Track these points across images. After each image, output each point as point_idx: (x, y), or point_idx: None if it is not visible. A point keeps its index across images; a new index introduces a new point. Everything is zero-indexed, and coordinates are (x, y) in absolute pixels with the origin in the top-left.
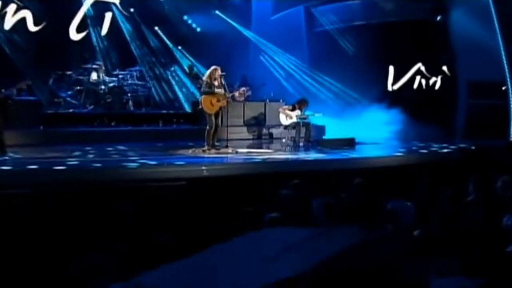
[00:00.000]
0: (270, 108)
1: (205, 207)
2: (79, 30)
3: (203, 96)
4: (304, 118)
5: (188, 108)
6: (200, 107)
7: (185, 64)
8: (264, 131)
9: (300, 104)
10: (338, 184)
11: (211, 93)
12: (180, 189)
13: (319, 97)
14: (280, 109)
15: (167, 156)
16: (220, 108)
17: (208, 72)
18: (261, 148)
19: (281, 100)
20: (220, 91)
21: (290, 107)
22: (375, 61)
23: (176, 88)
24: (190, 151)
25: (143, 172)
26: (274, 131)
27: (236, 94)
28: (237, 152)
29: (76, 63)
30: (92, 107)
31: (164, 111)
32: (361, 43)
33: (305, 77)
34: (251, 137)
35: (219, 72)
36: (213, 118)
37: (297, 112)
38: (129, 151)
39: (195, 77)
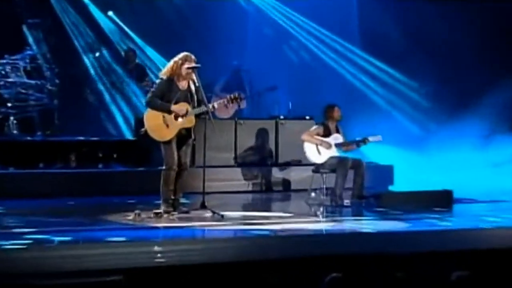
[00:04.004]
0: (286, 132)
1: None
2: None
3: (148, 111)
4: (351, 147)
5: (128, 133)
6: (143, 130)
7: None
8: (275, 175)
9: (332, 116)
10: (422, 281)
11: (163, 107)
12: None
13: (376, 107)
14: (305, 135)
15: (86, 226)
16: (188, 130)
17: (171, 62)
18: (268, 209)
19: (307, 117)
20: (184, 105)
21: (320, 128)
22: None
23: (106, 95)
24: (131, 216)
25: (38, 258)
26: (293, 175)
27: (216, 104)
28: (222, 218)
29: None
30: None
31: (82, 138)
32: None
33: (354, 70)
34: (249, 187)
35: (192, 63)
36: (173, 150)
37: (337, 138)
38: (9, 216)
39: (136, 72)
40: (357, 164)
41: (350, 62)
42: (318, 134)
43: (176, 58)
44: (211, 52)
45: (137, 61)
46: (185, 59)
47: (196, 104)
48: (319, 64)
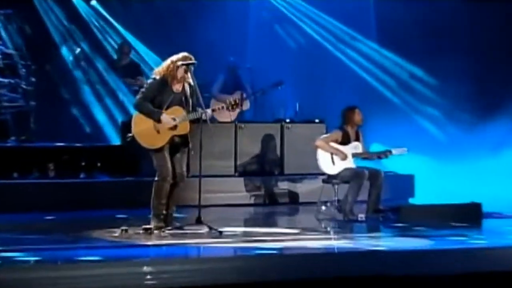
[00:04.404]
0: (293, 137)
1: None
2: None
3: (137, 114)
4: (370, 157)
5: (114, 138)
6: (129, 135)
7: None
8: (280, 186)
9: (352, 120)
10: None
11: (153, 114)
12: None
13: (395, 109)
14: (320, 142)
15: (67, 244)
16: (182, 137)
17: (167, 61)
18: (272, 225)
19: (316, 121)
20: (178, 109)
21: (338, 134)
22: None
23: (89, 95)
24: (117, 232)
25: (10, 281)
26: (301, 186)
27: (211, 111)
28: (220, 234)
29: None
30: None
31: (61, 144)
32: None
33: (370, 67)
34: (251, 200)
35: (190, 60)
36: (165, 159)
37: (356, 147)
38: None
39: (129, 69)
40: (374, 175)
41: (366, 59)
42: (335, 141)
43: (173, 57)
44: (208, 47)
45: (131, 56)
46: (183, 60)
47: (191, 109)
48: (330, 61)
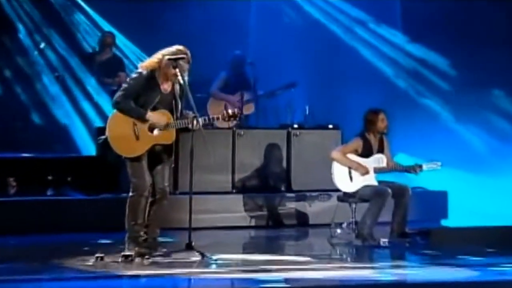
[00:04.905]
0: (303, 146)
1: None
2: None
3: (115, 114)
4: (401, 169)
5: (87, 148)
6: (101, 138)
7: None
8: (287, 205)
9: (375, 127)
10: None
11: (136, 113)
12: None
13: (424, 113)
14: (337, 153)
15: (32, 275)
16: (164, 146)
17: (157, 54)
18: (277, 251)
19: (330, 126)
20: (164, 114)
21: (358, 143)
22: None
23: (57, 97)
24: (91, 260)
25: None
26: (311, 205)
27: (202, 120)
28: (215, 262)
29: None
30: None
31: (25, 155)
32: None
33: (394, 62)
34: (251, 221)
35: (185, 63)
36: (143, 170)
37: (379, 160)
38: None
39: (110, 65)
40: (399, 191)
41: (392, 52)
42: (354, 152)
43: (164, 50)
44: (206, 41)
45: (114, 50)
46: (176, 54)
47: (179, 115)
48: (348, 55)
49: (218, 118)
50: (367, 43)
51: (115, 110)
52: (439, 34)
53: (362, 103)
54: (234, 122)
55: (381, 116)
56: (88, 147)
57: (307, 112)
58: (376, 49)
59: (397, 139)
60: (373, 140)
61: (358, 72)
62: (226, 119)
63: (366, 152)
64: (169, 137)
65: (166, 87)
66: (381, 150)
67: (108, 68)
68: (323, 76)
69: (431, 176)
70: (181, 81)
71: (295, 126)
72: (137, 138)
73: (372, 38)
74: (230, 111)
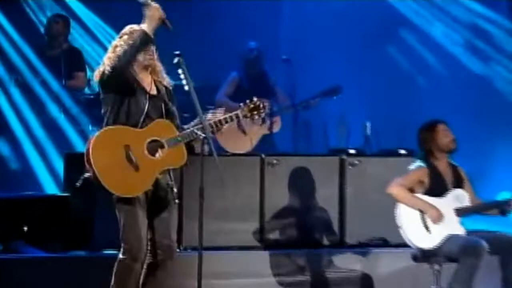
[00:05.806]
0: (363, 181)
1: None
2: None
3: (101, 132)
4: (491, 207)
5: (53, 185)
6: (84, 177)
7: None
8: (338, 265)
9: (436, 145)
10: None
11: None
12: None
13: None
14: (395, 188)
15: None
16: (167, 180)
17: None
18: None
19: (402, 151)
20: (167, 123)
21: (420, 172)
22: None
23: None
24: None
25: None
26: (376, 267)
27: (218, 115)
28: None
29: None
30: None
31: None
32: None
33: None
34: (283, 280)
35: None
36: (138, 220)
37: (459, 197)
38: None
39: (66, 60)
40: (502, 245)
41: (490, 50)
42: (419, 185)
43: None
44: (213, 32)
45: (69, 40)
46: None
47: (180, 124)
48: (428, 53)
49: (234, 118)
50: (452, 39)
51: (101, 129)
52: None
53: (447, 117)
54: (261, 122)
55: (442, 127)
56: (51, 185)
57: (369, 132)
58: (463, 45)
59: (498, 170)
60: (441, 166)
61: (440, 76)
62: (248, 112)
63: (437, 187)
64: (180, 157)
65: (151, 88)
66: (458, 184)
67: (64, 65)
68: (390, 83)
69: None
70: (166, 83)
71: (352, 151)
72: (136, 167)
73: (460, 29)
74: (255, 99)
